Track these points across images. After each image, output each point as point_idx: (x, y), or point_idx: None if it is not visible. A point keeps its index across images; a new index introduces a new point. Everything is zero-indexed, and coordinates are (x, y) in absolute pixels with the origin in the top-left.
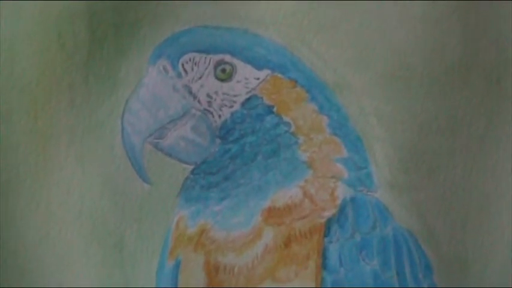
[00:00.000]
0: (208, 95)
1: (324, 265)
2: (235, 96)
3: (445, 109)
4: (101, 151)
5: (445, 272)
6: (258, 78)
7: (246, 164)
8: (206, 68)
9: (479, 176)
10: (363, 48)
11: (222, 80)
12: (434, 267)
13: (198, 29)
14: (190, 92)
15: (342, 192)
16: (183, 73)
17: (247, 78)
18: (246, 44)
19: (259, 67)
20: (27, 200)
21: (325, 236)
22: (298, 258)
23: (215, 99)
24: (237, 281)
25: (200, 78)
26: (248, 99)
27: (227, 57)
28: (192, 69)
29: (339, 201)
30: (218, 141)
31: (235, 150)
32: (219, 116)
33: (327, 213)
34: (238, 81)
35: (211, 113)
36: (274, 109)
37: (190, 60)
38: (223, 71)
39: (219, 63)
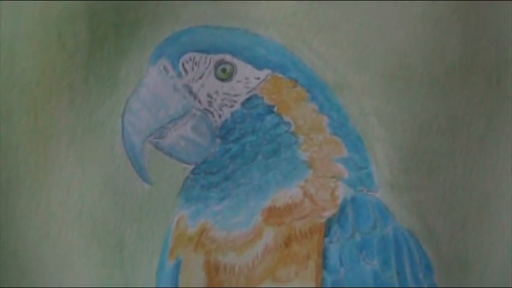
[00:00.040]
0: (208, 95)
1: (324, 265)
2: (235, 96)
3: (445, 109)
4: (101, 151)
5: (445, 272)
6: (258, 78)
7: (246, 164)
8: (206, 68)
9: (479, 176)
10: (363, 48)
11: (223, 80)
12: (435, 267)
13: (199, 28)
14: (191, 92)
15: (342, 192)
16: (183, 73)
17: (248, 78)
18: (246, 44)
19: (259, 67)
20: (27, 200)
21: (326, 235)
22: (298, 258)
23: (215, 99)
24: (237, 281)
25: (200, 78)
26: (248, 99)
27: (227, 57)
28: (193, 69)
29: (339, 201)
30: (218, 141)
31: (235, 150)
32: (220, 116)
33: (327, 213)
34: (238, 81)
35: (212, 113)
36: (275, 109)
37: (190, 60)
38: (224, 70)
39: (219, 63)
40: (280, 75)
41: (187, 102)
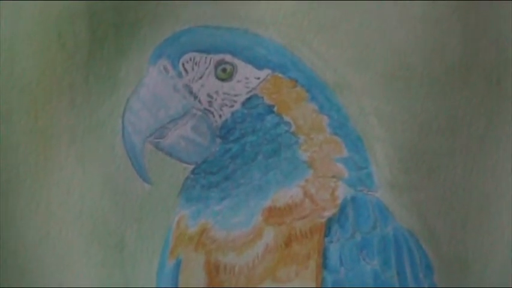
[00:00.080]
0: (208, 95)
1: (324, 265)
2: (235, 95)
3: (445, 109)
4: (101, 151)
5: (445, 272)
6: (258, 78)
7: (246, 164)
8: (207, 68)
9: (479, 176)
10: (363, 48)
11: (223, 80)
12: (435, 267)
13: (199, 28)
14: (191, 92)
15: (343, 192)
16: (183, 73)
17: (248, 78)
18: (246, 44)
19: (259, 67)
20: (27, 200)
21: (326, 235)
22: (298, 258)
23: (216, 99)
24: (237, 281)
25: (201, 78)
26: (249, 99)
27: (228, 57)
28: (193, 69)
29: (339, 201)
30: (219, 140)
31: (235, 149)
32: (220, 116)
33: (328, 213)
34: (238, 81)
35: (212, 113)
36: (275, 109)
37: (190, 60)
38: (224, 70)
39: (219, 63)
40: (280, 75)
41: (187, 102)
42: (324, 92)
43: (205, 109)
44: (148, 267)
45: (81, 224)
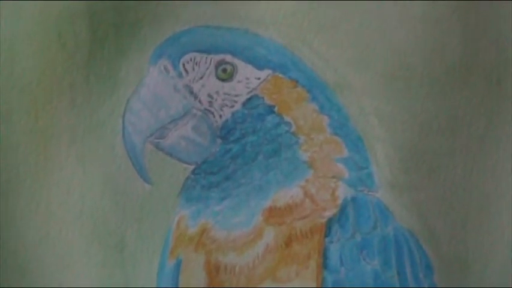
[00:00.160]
0: (209, 95)
1: (324, 265)
2: (236, 96)
3: (445, 109)
4: (101, 151)
5: (445, 272)
6: (259, 78)
7: (246, 164)
8: (207, 68)
9: (479, 176)
10: (363, 48)
11: (223, 80)
12: (435, 267)
13: (199, 29)
14: (191, 92)
15: (343, 192)
16: (184, 73)
17: (248, 78)
18: (246, 44)
19: (260, 67)
20: (27, 200)
21: (326, 235)
22: (299, 258)
23: (216, 99)
24: (237, 281)
25: (201, 78)
26: (249, 99)
27: (228, 57)
28: (193, 69)
29: (339, 201)
30: (219, 141)
31: (236, 150)
32: (220, 116)
33: (328, 213)
34: (239, 81)
35: (212, 113)
36: (275, 109)
37: (191, 60)
38: (224, 71)
39: (220, 63)
40: (280, 76)
41: (187, 102)
42: (325, 92)
43: (205, 109)
44: (148, 267)
45: (82, 224)
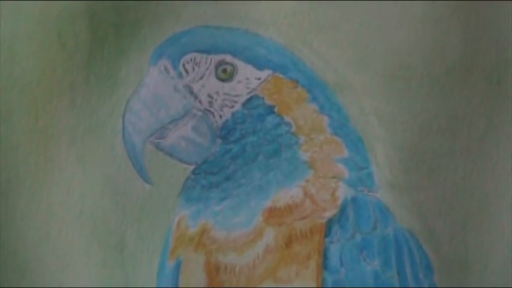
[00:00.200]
0: (209, 95)
1: (324, 265)
2: (236, 96)
3: (445, 109)
4: (101, 151)
5: (445, 272)
6: (259, 79)
7: (247, 164)
8: (207, 68)
9: (479, 176)
10: (363, 48)
11: (223, 80)
12: (435, 267)
13: (199, 29)
14: (191, 92)
15: (343, 192)
16: (184, 73)
17: (248, 78)
18: (246, 44)
19: (260, 67)
20: (27, 200)
21: (326, 236)
22: (299, 258)
23: (216, 100)
24: (237, 281)
25: (201, 78)
26: (249, 100)
27: (228, 58)
28: (193, 69)
29: (339, 202)
30: (219, 141)
31: (236, 150)
32: (220, 116)
33: (328, 214)
34: (239, 82)
35: (212, 113)
36: (275, 109)
37: (191, 60)
38: (224, 71)
39: (220, 63)
40: (280, 76)
41: (188, 102)
42: (325, 92)
43: (205, 109)
44: (148, 268)
45: (82, 224)
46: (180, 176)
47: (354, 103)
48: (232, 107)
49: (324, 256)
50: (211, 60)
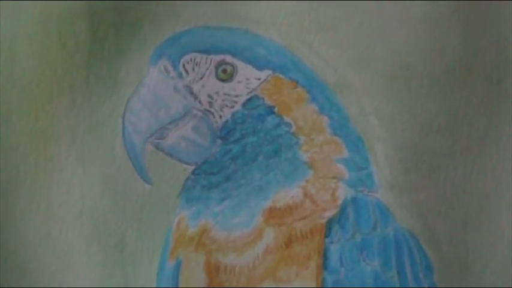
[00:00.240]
0: (209, 96)
1: (324, 265)
2: (236, 96)
3: (445, 109)
4: (101, 151)
5: (445, 272)
6: (259, 79)
7: (247, 165)
8: (207, 69)
9: (479, 176)
10: (363, 48)
11: (223, 81)
12: (435, 267)
13: (199, 29)
14: (191, 93)
15: (343, 192)
16: (184, 73)
17: (248, 78)
18: (246, 45)
19: (260, 67)
20: (27, 200)
21: (326, 236)
22: (299, 259)
23: (216, 100)
24: (237, 281)
25: (201, 78)
26: (249, 100)
27: (228, 58)
28: (193, 69)
29: (339, 202)
30: (219, 141)
31: (236, 150)
32: (220, 117)
33: (328, 214)
34: (239, 82)
35: (212, 114)
36: (275, 109)
37: (191, 60)
38: (224, 71)
39: (220, 63)
40: (280, 76)
41: (188, 102)
42: (325, 93)
43: (205, 110)
44: (148, 268)
45: (82, 224)
46: (180, 176)
47: (354, 103)
48: (232, 107)
49: (324, 256)
50: (211, 61)
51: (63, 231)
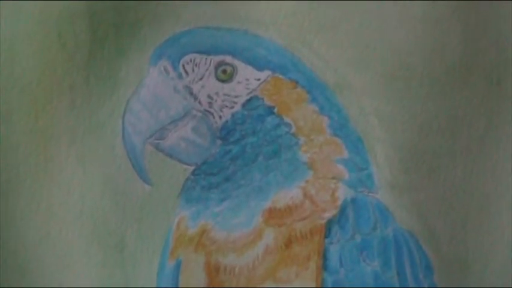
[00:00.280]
0: (209, 96)
1: (324, 266)
2: (236, 97)
3: (445, 109)
4: (101, 151)
5: (445, 272)
6: (258, 79)
7: (246, 165)
8: (207, 69)
9: (479, 176)
10: (363, 48)
11: (223, 81)
12: (435, 268)
13: (199, 29)
14: (191, 93)
15: (343, 193)
16: (183, 74)
17: (248, 79)
18: (246, 45)
19: (259, 68)
20: (27, 200)
21: (326, 236)
22: (298, 259)
23: (216, 100)
24: (237, 282)
25: (201, 79)
26: (249, 100)
27: (228, 58)
28: (193, 70)
29: (339, 202)
30: (219, 142)
31: (236, 151)
32: (220, 117)
33: (328, 214)
34: (239, 82)
35: (212, 114)
36: (275, 110)
37: (191, 61)
38: (224, 72)
39: (219, 64)
40: (280, 76)
41: (187, 103)
42: (324, 93)
43: (205, 110)
44: (148, 268)
45: (82, 224)
46: (179, 176)
47: (354, 103)
48: (232, 107)
49: (324, 257)
50: (211, 61)
51: (63, 231)
